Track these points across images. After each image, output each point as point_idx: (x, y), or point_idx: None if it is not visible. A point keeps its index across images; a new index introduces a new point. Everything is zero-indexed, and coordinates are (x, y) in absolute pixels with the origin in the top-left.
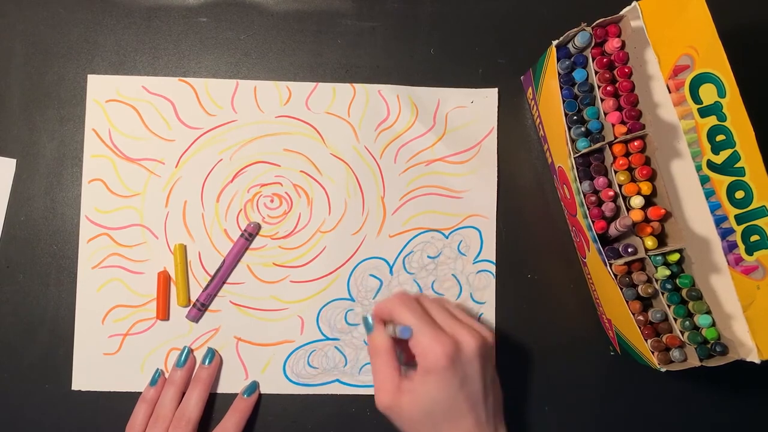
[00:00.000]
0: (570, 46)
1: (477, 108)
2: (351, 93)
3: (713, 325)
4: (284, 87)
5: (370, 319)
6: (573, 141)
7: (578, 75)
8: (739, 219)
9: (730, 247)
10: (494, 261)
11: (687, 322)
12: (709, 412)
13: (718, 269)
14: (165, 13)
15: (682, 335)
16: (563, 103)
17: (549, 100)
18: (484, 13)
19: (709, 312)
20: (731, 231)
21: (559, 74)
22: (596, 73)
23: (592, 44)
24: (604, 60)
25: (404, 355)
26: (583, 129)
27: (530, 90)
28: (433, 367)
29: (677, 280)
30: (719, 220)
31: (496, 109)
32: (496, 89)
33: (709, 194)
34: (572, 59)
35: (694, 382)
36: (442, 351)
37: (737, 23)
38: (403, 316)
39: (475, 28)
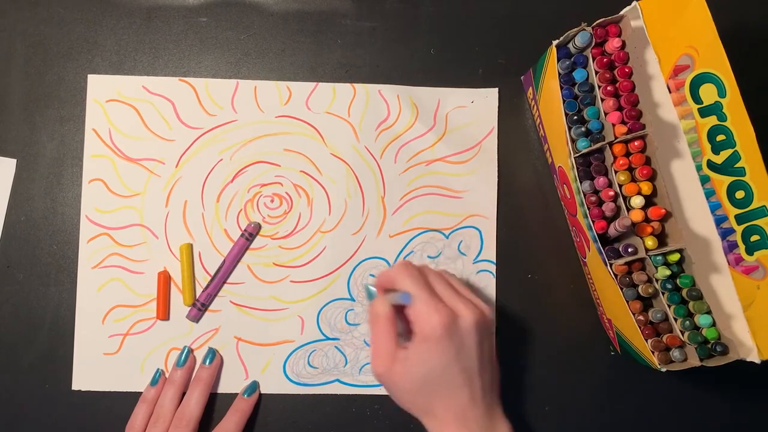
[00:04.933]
0: (570, 46)
1: (477, 108)
2: (351, 93)
3: (713, 325)
4: (284, 87)
5: (371, 287)
6: (573, 141)
7: (578, 75)
8: (739, 219)
9: (731, 247)
10: (494, 261)
11: (687, 322)
12: (709, 412)
13: (718, 269)
14: (165, 13)
15: (683, 335)
16: (563, 103)
17: (549, 100)
18: (484, 13)
19: (709, 312)
20: (731, 231)
21: (559, 74)
22: (596, 73)
23: (593, 44)
24: (605, 60)
25: (403, 327)
26: (583, 129)
27: (530, 90)
28: (429, 336)
29: (677, 280)
30: (719, 220)
31: (496, 109)
32: (496, 89)
33: (709, 194)
34: (572, 59)
35: (694, 382)
36: (439, 320)
37: (737, 23)
38: (405, 283)
39: (475, 28)
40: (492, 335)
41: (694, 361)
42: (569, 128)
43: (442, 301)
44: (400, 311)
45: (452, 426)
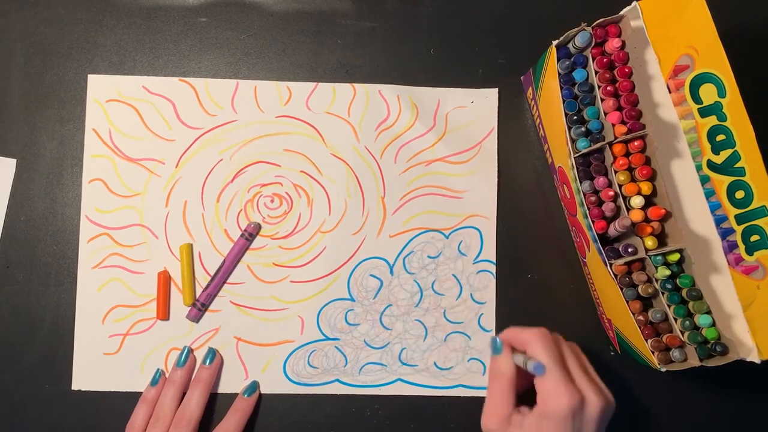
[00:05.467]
0: (570, 46)
1: (477, 108)
2: (351, 93)
3: (713, 325)
4: (284, 87)
5: (499, 342)
6: (573, 141)
7: (578, 75)
8: (739, 219)
9: (731, 247)
10: (494, 261)
11: (687, 322)
12: (709, 412)
13: (718, 269)
14: (165, 13)
15: (682, 335)
16: (563, 103)
17: (549, 100)
18: (484, 13)
19: (709, 312)
20: (731, 231)
21: (559, 74)
22: (596, 73)
23: (593, 44)
24: (604, 60)
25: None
26: (583, 129)
27: (530, 90)
28: (552, 414)
29: (677, 280)
30: (719, 220)
31: (496, 109)
32: (496, 89)
33: (709, 194)
34: (572, 59)
35: (694, 382)
36: (568, 402)
37: (737, 23)
38: (540, 352)
39: (475, 28)
40: (606, 424)
41: (694, 361)
42: (569, 128)
43: (573, 382)
44: (521, 370)
45: None
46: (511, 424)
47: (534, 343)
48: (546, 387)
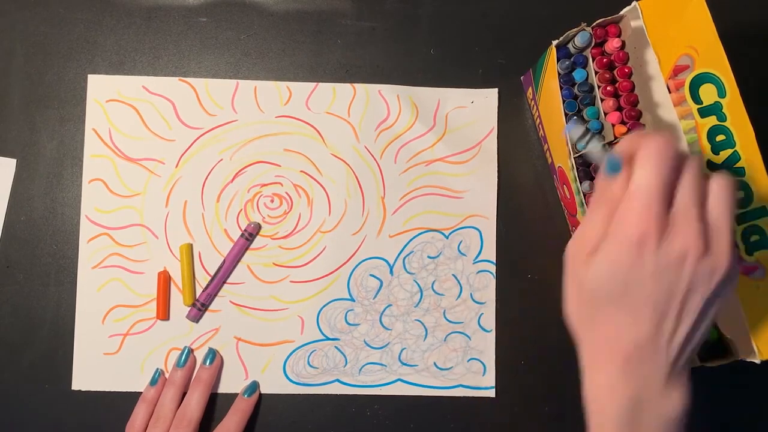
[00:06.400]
0: (570, 46)
1: (477, 108)
2: (351, 93)
3: (713, 325)
4: (284, 87)
5: (617, 161)
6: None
7: (578, 75)
8: (739, 219)
9: None
10: (494, 261)
11: None
12: (709, 412)
13: None
14: (165, 13)
15: None
16: (563, 103)
17: (549, 100)
18: (484, 13)
19: None
20: None
21: (559, 74)
22: (596, 73)
23: (592, 44)
24: (604, 60)
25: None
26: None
27: (530, 90)
28: (619, 238)
29: None
30: None
31: (496, 110)
32: (496, 89)
33: None
34: (572, 59)
35: (694, 382)
36: (637, 225)
37: (737, 23)
38: (644, 166)
39: (475, 28)
40: (723, 292)
41: (694, 361)
42: None
43: (667, 212)
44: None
45: (605, 361)
46: (596, 250)
47: (645, 156)
48: (622, 207)
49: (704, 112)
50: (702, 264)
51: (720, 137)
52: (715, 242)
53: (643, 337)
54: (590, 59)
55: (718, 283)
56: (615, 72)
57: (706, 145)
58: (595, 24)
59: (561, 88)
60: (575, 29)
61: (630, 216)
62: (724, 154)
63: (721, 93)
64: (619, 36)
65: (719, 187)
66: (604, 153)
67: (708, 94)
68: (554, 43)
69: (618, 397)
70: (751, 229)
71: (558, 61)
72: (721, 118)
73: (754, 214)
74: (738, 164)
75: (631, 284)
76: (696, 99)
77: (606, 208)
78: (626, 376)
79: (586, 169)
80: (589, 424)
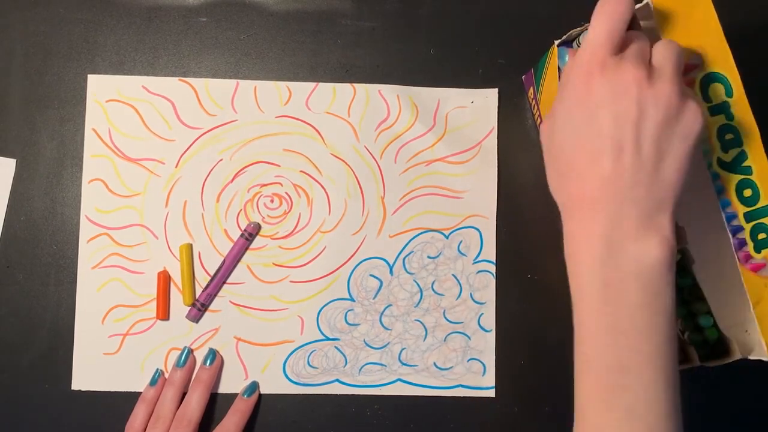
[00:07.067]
0: (574, 44)
1: (477, 108)
2: (351, 93)
3: (714, 325)
4: (284, 87)
5: None
6: None
7: None
8: (747, 217)
9: (740, 245)
10: (494, 261)
11: (688, 322)
12: (709, 412)
13: (721, 268)
14: (165, 13)
15: (683, 335)
16: None
17: (550, 100)
18: (484, 13)
19: (709, 312)
20: (741, 228)
21: (560, 70)
22: None
23: None
24: None
25: None
26: None
27: (531, 89)
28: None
29: (678, 280)
30: (729, 218)
31: (497, 110)
32: (496, 89)
33: (719, 191)
34: None
35: (694, 382)
36: (637, 66)
37: (743, 23)
38: (593, 22)
39: (475, 28)
40: (679, 123)
41: (693, 361)
42: None
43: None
44: None
45: (576, 208)
46: (605, 66)
47: (597, 12)
48: (576, 55)
49: (714, 111)
50: (648, 91)
51: (729, 136)
52: (659, 76)
53: (606, 172)
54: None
55: (667, 113)
56: None
57: (716, 144)
58: None
59: None
60: (578, 28)
61: (578, 64)
62: (733, 152)
63: (728, 92)
64: None
65: (664, 43)
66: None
67: (717, 93)
68: (556, 42)
69: (590, 240)
70: (758, 227)
71: (560, 57)
72: (729, 117)
73: (761, 212)
74: (745, 163)
75: (583, 123)
76: (706, 98)
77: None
78: (595, 215)
79: None
80: (569, 278)
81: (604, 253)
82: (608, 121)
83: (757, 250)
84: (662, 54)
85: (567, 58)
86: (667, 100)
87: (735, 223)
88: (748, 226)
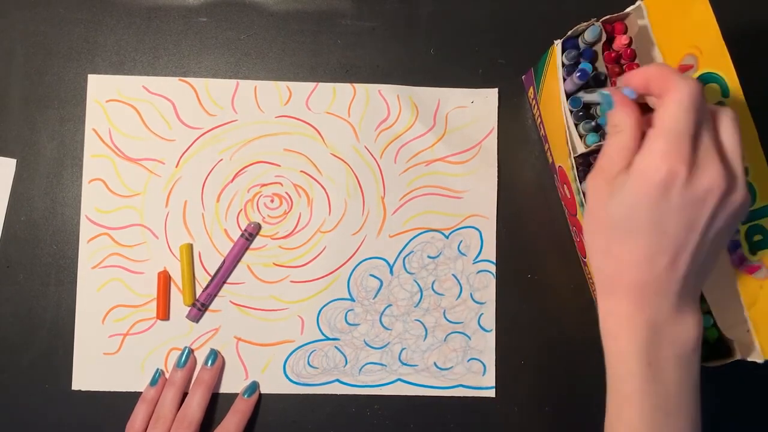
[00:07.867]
0: (579, 41)
1: (477, 108)
2: (351, 93)
3: (714, 325)
4: (284, 87)
5: (609, 97)
6: (582, 136)
7: (583, 68)
8: None
9: (735, 246)
10: (494, 261)
11: None
12: (709, 412)
13: (719, 269)
14: (165, 13)
15: None
16: (568, 99)
17: (550, 100)
18: (484, 13)
19: (709, 312)
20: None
21: (563, 65)
22: (606, 67)
23: (603, 39)
24: (612, 55)
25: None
26: (592, 124)
27: (531, 89)
28: (641, 177)
29: None
30: None
31: (496, 110)
32: (496, 89)
33: None
34: (580, 51)
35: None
36: (662, 166)
37: (741, 23)
38: (672, 109)
39: (475, 28)
40: (736, 224)
41: None
42: (576, 125)
43: (692, 151)
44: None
45: (621, 290)
46: (614, 183)
47: (677, 99)
48: (650, 144)
49: None
50: (724, 200)
51: None
52: (734, 178)
53: (661, 268)
54: (600, 54)
55: (734, 220)
56: (624, 68)
57: None
58: (602, 20)
59: (564, 80)
60: (585, 24)
61: (657, 155)
62: None
63: (725, 93)
64: (625, 33)
65: (728, 120)
66: (616, 89)
67: (712, 93)
68: (556, 42)
69: (635, 324)
70: (754, 228)
71: (564, 51)
72: None
73: (757, 213)
74: None
75: (654, 218)
76: None
77: (625, 137)
78: (642, 303)
79: (587, 169)
80: (606, 353)
81: (648, 337)
82: (679, 225)
83: (753, 251)
84: (730, 138)
85: (612, 100)
86: (738, 209)
87: None
88: (743, 228)
